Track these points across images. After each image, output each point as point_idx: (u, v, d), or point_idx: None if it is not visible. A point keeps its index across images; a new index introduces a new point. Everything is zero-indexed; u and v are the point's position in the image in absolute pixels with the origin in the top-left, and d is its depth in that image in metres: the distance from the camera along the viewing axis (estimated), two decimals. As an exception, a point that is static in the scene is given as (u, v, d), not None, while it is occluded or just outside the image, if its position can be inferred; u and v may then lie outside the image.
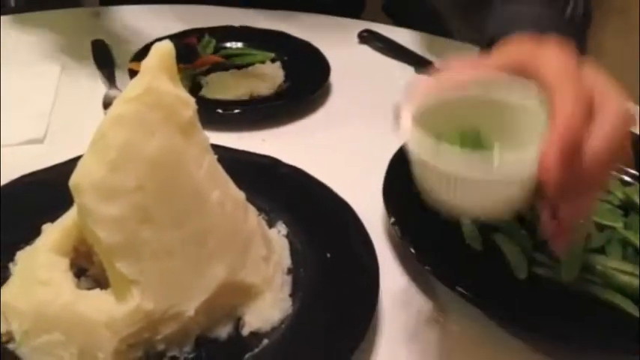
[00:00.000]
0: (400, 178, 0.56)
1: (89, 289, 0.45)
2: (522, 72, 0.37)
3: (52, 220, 0.47)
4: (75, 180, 0.40)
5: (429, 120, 0.37)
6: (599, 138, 0.34)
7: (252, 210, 0.48)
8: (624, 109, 0.35)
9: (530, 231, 0.53)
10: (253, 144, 0.66)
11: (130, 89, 0.40)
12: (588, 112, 0.35)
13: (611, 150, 0.34)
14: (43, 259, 0.43)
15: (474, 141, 0.39)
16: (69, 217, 0.45)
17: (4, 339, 0.41)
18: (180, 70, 0.73)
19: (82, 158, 0.41)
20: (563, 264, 0.49)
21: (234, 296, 0.44)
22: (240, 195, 0.47)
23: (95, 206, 0.39)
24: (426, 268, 0.48)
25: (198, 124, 0.43)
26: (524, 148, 0.35)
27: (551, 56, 0.36)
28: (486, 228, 0.53)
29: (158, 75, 0.41)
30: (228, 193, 0.44)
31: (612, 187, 0.58)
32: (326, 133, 0.69)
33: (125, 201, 0.39)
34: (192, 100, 0.42)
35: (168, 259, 0.41)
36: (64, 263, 0.43)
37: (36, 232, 0.47)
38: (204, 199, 0.42)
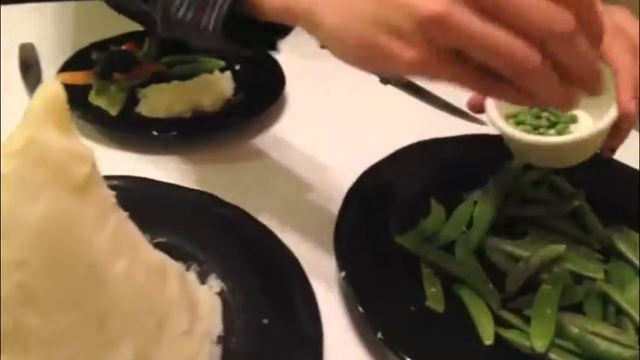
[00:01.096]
0: (356, 223, 0.50)
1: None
2: None
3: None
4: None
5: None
6: None
7: (174, 273, 0.41)
8: None
9: (498, 285, 0.46)
10: (192, 170, 0.59)
11: (9, 142, 0.33)
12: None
13: None
14: None
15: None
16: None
17: None
18: (116, 81, 0.67)
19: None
20: (533, 326, 0.43)
21: (146, 383, 0.37)
22: (158, 259, 0.39)
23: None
24: (377, 334, 0.42)
25: (99, 180, 0.36)
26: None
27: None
28: (451, 280, 0.47)
29: (43, 125, 0.33)
30: (139, 261, 0.37)
31: (592, 227, 0.52)
32: (276, 157, 0.62)
33: (6, 279, 0.32)
34: (88, 153, 0.35)
35: (60, 348, 0.33)
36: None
37: None
38: (104, 273, 0.34)
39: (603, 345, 0.42)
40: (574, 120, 0.50)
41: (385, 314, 0.43)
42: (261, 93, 0.67)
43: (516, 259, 0.49)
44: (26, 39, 0.74)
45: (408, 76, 0.40)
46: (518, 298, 0.46)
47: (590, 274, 0.47)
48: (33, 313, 0.33)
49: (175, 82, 0.67)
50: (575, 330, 0.43)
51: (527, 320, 0.44)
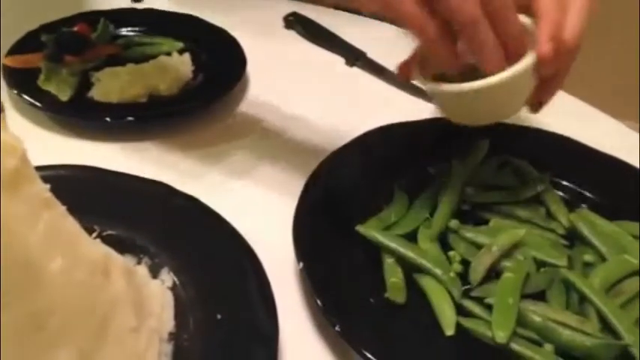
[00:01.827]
0: (316, 212, 0.48)
1: None
2: None
3: None
4: None
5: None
6: (573, 23, 0.45)
7: (119, 268, 0.39)
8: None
9: (460, 274, 0.45)
10: (148, 157, 0.57)
11: None
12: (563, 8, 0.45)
13: (583, 26, 0.45)
14: None
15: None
16: None
17: None
18: (67, 64, 0.64)
19: None
20: (494, 316, 0.42)
21: (91, 385, 0.35)
22: (100, 254, 0.37)
23: None
24: (335, 327, 0.40)
25: (32, 172, 0.33)
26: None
27: None
28: (413, 270, 0.45)
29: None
30: (78, 257, 0.35)
31: (556, 212, 0.51)
32: (236, 146, 0.60)
33: None
34: (18, 144, 0.32)
35: (-6, 352, 0.31)
36: None
37: None
38: (40, 272, 0.32)
39: (566, 334, 0.41)
40: None
41: (344, 306, 0.42)
42: (222, 75, 0.65)
43: (478, 247, 0.48)
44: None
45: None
46: (480, 286, 0.45)
47: (553, 260, 0.46)
48: (-39, 317, 0.30)
49: (131, 65, 0.64)
50: (537, 319, 0.42)
51: (489, 309, 0.43)
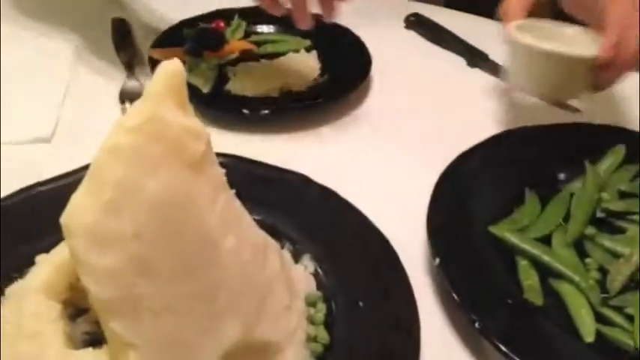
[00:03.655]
0: (448, 210, 0.49)
1: (86, 333, 0.40)
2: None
3: (52, 245, 0.42)
4: (65, 219, 0.34)
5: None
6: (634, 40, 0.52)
7: (274, 250, 0.41)
8: None
9: (599, 282, 0.45)
10: (282, 149, 0.60)
11: (130, 116, 0.34)
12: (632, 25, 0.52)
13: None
14: (31, 305, 0.37)
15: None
16: (64, 249, 0.40)
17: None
18: (206, 59, 0.68)
19: (76, 192, 0.34)
20: (636, 326, 0.42)
21: (249, 357, 0.38)
22: (260, 237, 0.40)
23: (86, 255, 0.33)
24: (475, 324, 0.41)
25: (213, 157, 0.36)
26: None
27: None
28: (546, 274, 0.45)
29: (163, 101, 0.34)
30: (245, 238, 0.38)
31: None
32: (365, 139, 0.61)
33: (121, 250, 0.33)
34: (204, 131, 0.35)
35: (171, 318, 0.34)
36: (55, 310, 0.37)
37: (31, 260, 0.42)
38: (215, 248, 0.35)
39: None
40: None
41: (482, 304, 0.42)
42: (348, 73, 0.67)
43: (616, 255, 0.47)
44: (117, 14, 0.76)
45: None
46: (619, 295, 0.45)
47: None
48: (146, 284, 0.34)
49: (264, 61, 0.68)
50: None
51: (629, 318, 0.43)
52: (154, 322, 0.34)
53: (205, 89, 0.63)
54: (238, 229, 0.37)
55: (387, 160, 0.59)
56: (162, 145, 0.33)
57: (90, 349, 0.36)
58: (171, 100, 0.34)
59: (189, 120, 0.35)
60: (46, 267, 0.40)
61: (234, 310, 0.36)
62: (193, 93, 0.62)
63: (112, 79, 0.66)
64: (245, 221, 0.39)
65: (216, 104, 0.62)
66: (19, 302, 0.38)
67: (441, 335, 0.44)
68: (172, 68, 0.34)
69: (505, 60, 0.59)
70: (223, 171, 0.37)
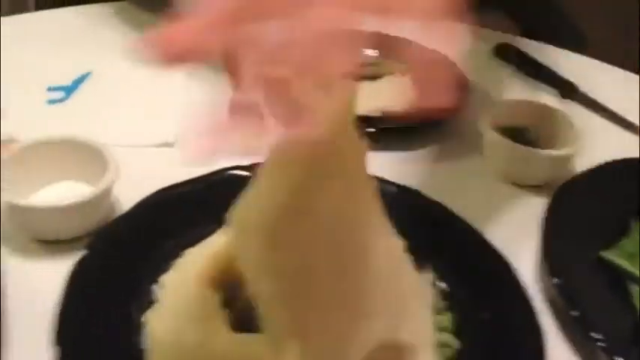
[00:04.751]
0: (559, 235, 0.51)
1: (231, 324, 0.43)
2: None
3: (195, 240, 0.45)
4: (240, 215, 0.37)
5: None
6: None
7: (407, 257, 0.44)
8: None
9: None
10: (386, 166, 0.63)
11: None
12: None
13: None
14: (194, 292, 0.40)
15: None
16: (217, 245, 0.43)
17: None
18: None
19: (253, 189, 0.37)
20: None
21: (386, 357, 0.40)
22: (399, 242, 0.43)
23: (260, 252, 0.36)
24: (597, 343, 0.43)
25: (367, 167, 0.39)
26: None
27: None
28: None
29: (341, 118, 0.36)
30: (390, 242, 0.40)
31: None
32: (462, 163, 0.64)
33: (293, 251, 0.36)
34: (365, 143, 0.38)
35: (329, 314, 0.37)
36: (217, 299, 0.40)
37: (174, 254, 0.45)
38: (370, 250, 0.38)
39: None
40: None
41: (600, 323, 0.44)
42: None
43: None
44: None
45: None
46: None
47: None
48: (311, 280, 0.36)
49: (366, 82, 0.71)
50: None
51: None
52: (315, 317, 0.37)
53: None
54: (386, 234, 0.40)
55: (490, 181, 0.62)
56: (336, 158, 0.36)
57: (248, 334, 0.39)
58: (347, 117, 0.37)
59: (356, 134, 0.38)
60: (200, 259, 0.43)
61: (380, 310, 0.39)
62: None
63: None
64: (389, 228, 0.42)
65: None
66: (180, 289, 0.41)
67: (557, 350, 0.46)
68: (351, 87, 0.37)
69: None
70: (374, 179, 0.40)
